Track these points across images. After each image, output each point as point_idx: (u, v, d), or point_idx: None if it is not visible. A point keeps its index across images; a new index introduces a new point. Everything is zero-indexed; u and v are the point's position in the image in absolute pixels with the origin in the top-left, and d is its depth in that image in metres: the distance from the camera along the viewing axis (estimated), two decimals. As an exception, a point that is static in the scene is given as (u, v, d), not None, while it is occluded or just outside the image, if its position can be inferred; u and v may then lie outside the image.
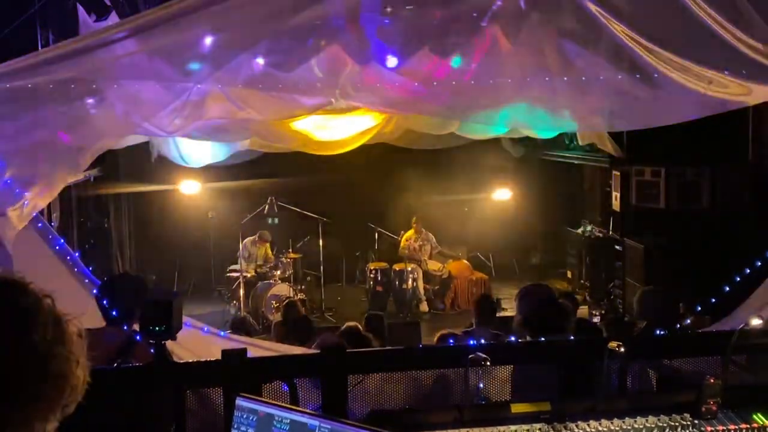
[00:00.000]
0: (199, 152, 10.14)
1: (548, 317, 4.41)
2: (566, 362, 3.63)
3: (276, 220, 12.91)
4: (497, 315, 10.38)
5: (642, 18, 4.63)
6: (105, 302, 4.08)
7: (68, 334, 1.40)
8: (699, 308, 5.05)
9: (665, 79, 4.77)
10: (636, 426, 2.93)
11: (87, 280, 5.55)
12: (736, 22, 4.33)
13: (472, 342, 4.09)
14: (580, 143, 11.44)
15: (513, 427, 2.95)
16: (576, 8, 4.75)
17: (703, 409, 2.94)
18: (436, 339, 6.70)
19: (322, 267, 12.80)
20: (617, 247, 11.13)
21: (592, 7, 4.67)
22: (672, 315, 5.20)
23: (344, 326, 6.68)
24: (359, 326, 6.80)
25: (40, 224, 5.35)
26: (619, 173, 10.96)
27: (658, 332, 4.83)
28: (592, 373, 3.54)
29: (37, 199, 4.69)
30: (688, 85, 4.73)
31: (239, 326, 8.81)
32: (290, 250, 12.86)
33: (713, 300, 5.06)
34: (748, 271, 5.04)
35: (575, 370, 3.61)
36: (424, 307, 12.69)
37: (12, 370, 1.30)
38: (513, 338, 4.59)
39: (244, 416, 2.40)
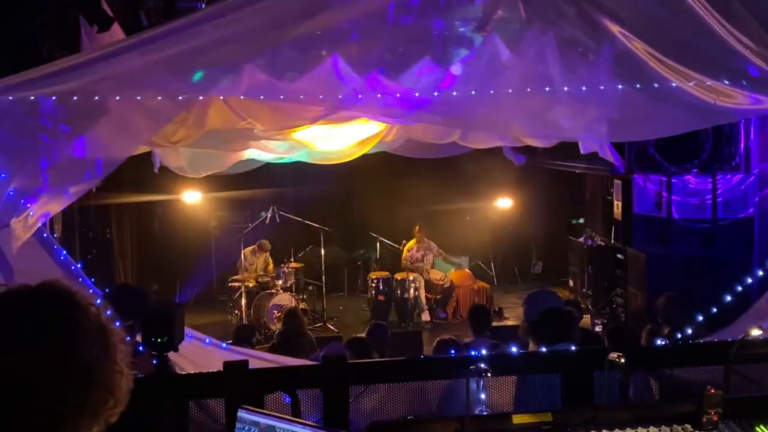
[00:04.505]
0: (202, 162, 10.15)
1: (555, 324, 4.38)
2: (568, 372, 3.64)
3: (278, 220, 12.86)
4: (498, 324, 10.39)
5: (645, 25, 4.65)
6: (108, 312, 4.08)
7: (113, 344, 1.43)
8: (700, 318, 5.06)
9: (667, 89, 4.78)
10: (637, 436, 2.93)
11: (89, 291, 5.56)
12: (740, 29, 4.35)
13: (474, 352, 4.10)
14: (582, 152, 11.44)
15: (514, 438, 2.95)
16: (577, 17, 4.78)
17: (704, 419, 2.94)
18: (434, 345, 6.66)
19: (323, 276, 12.80)
20: (619, 255, 11.12)
21: (594, 16, 4.69)
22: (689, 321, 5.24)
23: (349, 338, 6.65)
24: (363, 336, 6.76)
25: (45, 234, 5.35)
26: (620, 182, 10.97)
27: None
28: (594, 383, 3.55)
29: (42, 211, 4.70)
30: (692, 93, 4.74)
31: (243, 334, 8.77)
32: (292, 259, 12.86)
33: (714, 310, 5.06)
34: (750, 280, 5.05)
35: (577, 380, 3.61)
36: (425, 316, 12.67)
37: (60, 382, 1.33)
38: (513, 347, 4.59)
39: (246, 428, 2.40)
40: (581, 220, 13.26)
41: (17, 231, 4.40)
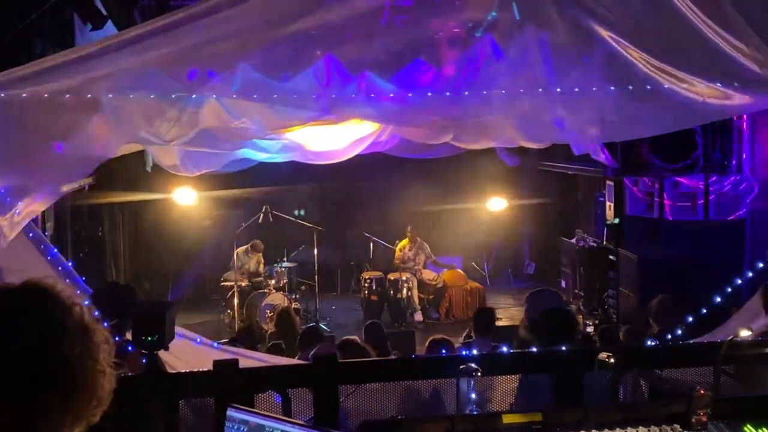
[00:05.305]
0: (195, 161, 10.12)
1: (556, 324, 4.37)
2: (558, 372, 3.64)
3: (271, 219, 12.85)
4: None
5: (636, 29, 4.66)
6: (96, 313, 4.07)
7: (96, 344, 1.41)
8: (690, 319, 5.08)
9: (659, 90, 4.79)
10: (626, 437, 2.94)
11: (80, 290, 5.54)
12: (730, 31, 4.37)
13: (464, 352, 4.10)
14: (575, 154, 11.46)
15: (504, 438, 2.95)
16: (570, 20, 4.78)
17: (693, 419, 2.95)
18: (426, 345, 6.69)
19: (316, 276, 12.79)
20: (611, 257, 11.15)
21: (586, 20, 4.70)
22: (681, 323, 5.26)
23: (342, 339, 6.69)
24: (357, 339, 6.77)
25: (31, 233, 5.33)
26: (613, 183, 11.01)
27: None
28: (585, 383, 3.56)
29: (29, 209, 4.68)
30: (684, 94, 4.76)
31: (244, 337, 8.81)
32: (285, 259, 12.85)
33: (705, 311, 5.08)
34: (740, 282, 5.07)
35: (567, 380, 3.62)
36: (418, 316, 12.69)
37: (41, 381, 1.32)
38: (505, 347, 4.59)
39: (236, 427, 2.40)
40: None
41: (3, 229, 4.38)
